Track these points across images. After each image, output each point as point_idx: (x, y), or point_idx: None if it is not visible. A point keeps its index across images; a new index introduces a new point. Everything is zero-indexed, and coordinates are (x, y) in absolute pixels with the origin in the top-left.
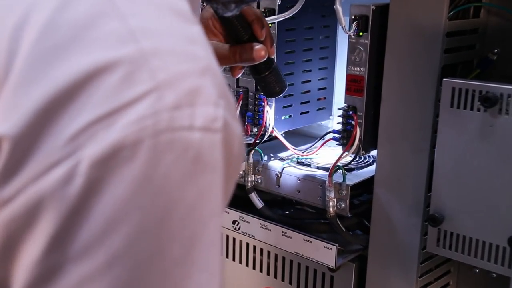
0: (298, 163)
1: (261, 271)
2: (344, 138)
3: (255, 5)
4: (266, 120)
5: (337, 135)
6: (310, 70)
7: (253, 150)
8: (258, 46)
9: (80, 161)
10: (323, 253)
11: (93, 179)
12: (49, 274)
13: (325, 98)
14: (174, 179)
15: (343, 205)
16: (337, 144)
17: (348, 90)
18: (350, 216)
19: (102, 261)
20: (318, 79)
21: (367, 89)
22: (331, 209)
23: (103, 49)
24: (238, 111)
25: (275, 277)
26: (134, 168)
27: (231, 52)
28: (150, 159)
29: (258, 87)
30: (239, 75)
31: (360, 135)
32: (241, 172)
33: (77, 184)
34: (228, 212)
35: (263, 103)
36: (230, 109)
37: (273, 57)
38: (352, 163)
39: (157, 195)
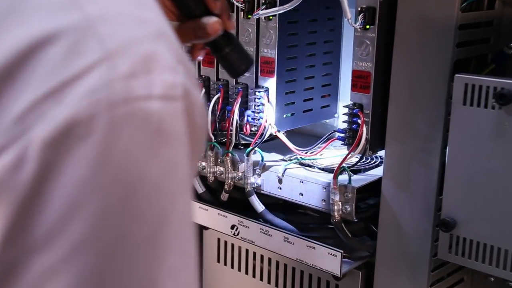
0: (301, 164)
1: (261, 279)
2: (350, 137)
3: None
4: (266, 119)
5: (342, 135)
6: (313, 66)
7: (253, 150)
8: (212, 20)
9: (29, 143)
10: (327, 260)
11: (46, 162)
12: (9, 271)
13: (329, 95)
14: (135, 154)
15: (348, 209)
16: (342, 144)
17: (354, 86)
18: (356, 220)
19: (65, 250)
20: (322, 75)
21: (374, 85)
22: (336, 213)
23: (44, 19)
24: (237, 108)
25: (276, 285)
26: (90, 146)
27: (184, 30)
28: (107, 134)
29: (222, 67)
30: (200, 57)
31: (366, 135)
32: (240, 174)
33: (29, 169)
34: (227, 217)
35: (263, 101)
36: (189, 76)
37: (232, 31)
38: (359, 164)
39: (119, 173)
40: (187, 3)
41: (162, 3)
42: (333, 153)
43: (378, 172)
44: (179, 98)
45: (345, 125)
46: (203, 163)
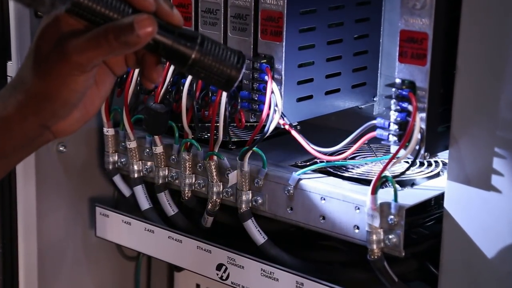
0: (322, 172)
1: None
2: (396, 132)
3: None
4: (270, 104)
5: (384, 128)
6: (341, 24)
7: (250, 152)
8: (140, 17)
9: None
10: None
11: None
12: None
13: (366, 67)
14: None
15: (394, 239)
16: (383, 142)
17: (403, 55)
18: (406, 257)
19: None
20: (355, 38)
21: (432, 53)
22: (375, 246)
23: None
24: None
25: None
26: None
27: (95, 37)
28: None
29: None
30: (156, 82)
31: (421, 128)
32: (229, 188)
33: None
34: (210, 251)
35: (266, 77)
36: None
37: (181, 24)
38: (409, 172)
39: None
40: (100, 12)
41: (67, 23)
42: (371, 156)
43: (439, 183)
44: None
45: (388, 114)
46: (174, 171)
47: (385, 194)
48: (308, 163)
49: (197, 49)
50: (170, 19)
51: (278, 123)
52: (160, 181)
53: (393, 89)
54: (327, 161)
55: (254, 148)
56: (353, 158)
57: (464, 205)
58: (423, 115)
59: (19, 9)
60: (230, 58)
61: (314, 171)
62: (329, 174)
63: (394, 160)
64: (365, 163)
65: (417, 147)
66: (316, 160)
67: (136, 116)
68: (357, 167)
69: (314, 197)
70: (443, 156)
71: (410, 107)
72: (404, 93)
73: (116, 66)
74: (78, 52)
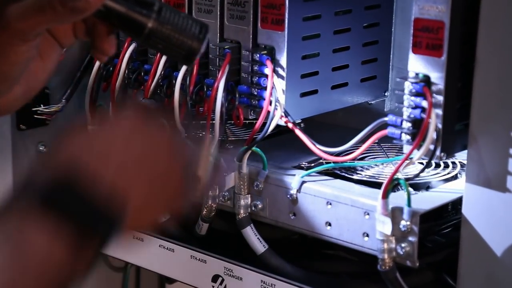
0: (328, 174)
1: None
2: (409, 130)
3: None
4: (271, 100)
5: (396, 126)
6: (349, 11)
7: (249, 152)
8: None
9: None
10: None
11: None
12: None
13: (376, 59)
14: None
15: (407, 248)
16: (395, 142)
17: (417, 46)
18: (420, 268)
19: None
20: (364, 27)
21: (449, 44)
22: (386, 256)
23: None
24: (222, 83)
25: None
26: None
27: (38, 1)
28: None
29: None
30: (109, 53)
31: (436, 126)
32: (226, 192)
33: None
34: (206, 261)
35: (266, 70)
36: None
37: None
38: (423, 174)
39: None
40: None
41: None
42: (382, 156)
43: (456, 187)
44: None
45: (401, 110)
46: None
47: (397, 199)
48: (312, 165)
49: (154, 17)
50: None
51: (280, 120)
52: None
53: (406, 83)
54: (333, 162)
55: (254, 148)
56: (362, 159)
57: (484, 211)
58: (439, 111)
59: None
60: (191, 28)
61: (319, 173)
62: (335, 176)
63: (407, 161)
64: (375, 165)
65: (432, 147)
66: (321, 161)
67: None
68: (366, 168)
69: (319, 202)
70: (461, 156)
71: (424, 103)
72: (418, 87)
73: (63, 36)
74: (19, 18)
